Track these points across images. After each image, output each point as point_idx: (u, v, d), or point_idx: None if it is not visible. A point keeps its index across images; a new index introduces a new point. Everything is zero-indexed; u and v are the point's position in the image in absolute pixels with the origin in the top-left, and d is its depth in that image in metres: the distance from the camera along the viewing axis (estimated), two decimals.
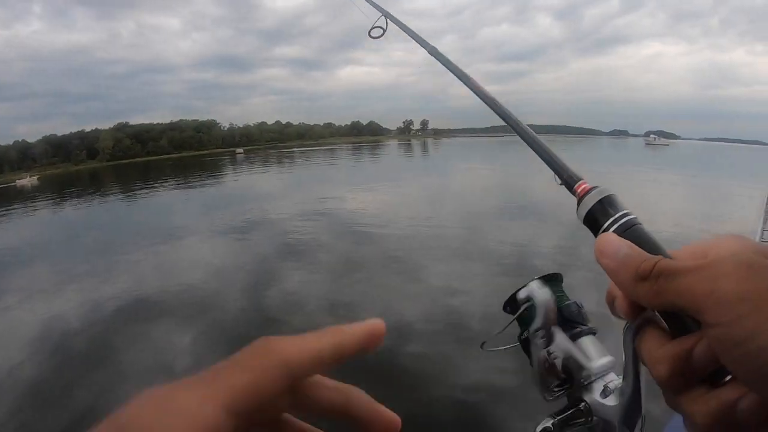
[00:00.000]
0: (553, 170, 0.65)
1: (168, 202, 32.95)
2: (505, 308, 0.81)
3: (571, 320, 0.76)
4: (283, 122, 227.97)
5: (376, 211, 21.75)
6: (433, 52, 1.20)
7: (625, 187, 33.26)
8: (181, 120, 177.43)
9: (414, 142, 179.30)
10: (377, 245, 15.02)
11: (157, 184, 46.19)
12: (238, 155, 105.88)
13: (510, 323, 0.78)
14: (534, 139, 0.73)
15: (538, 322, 0.73)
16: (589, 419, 0.70)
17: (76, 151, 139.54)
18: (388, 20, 1.49)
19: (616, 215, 0.51)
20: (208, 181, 45.98)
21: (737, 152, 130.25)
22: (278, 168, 63.21)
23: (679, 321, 0.41)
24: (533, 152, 0.72)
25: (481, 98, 0.92)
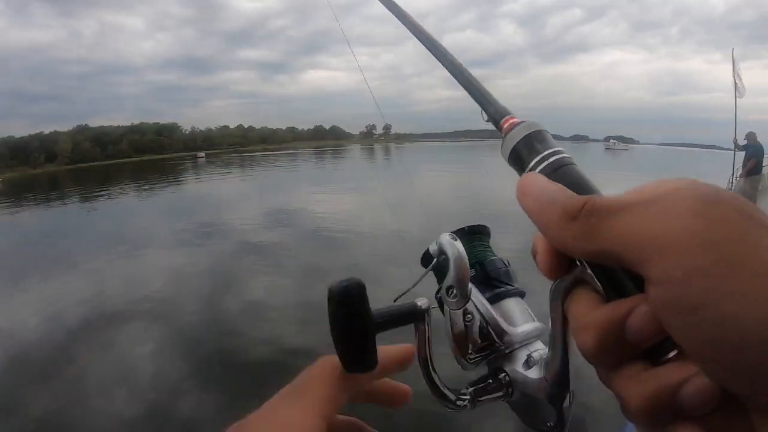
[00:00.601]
0: (480, 104, 0.60)
1: (128, 207, 31.79)
2: (422, 263, 0.66)
3: (494, 279, 0.64)
4: (246, 126, 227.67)
5: (339, 216, 21.60)
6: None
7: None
8: (142, 123, 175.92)
9: (377, 146, 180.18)
10: (341, 250, 15.09)
11: (116, 189, 45.26)
12: (199, 159, 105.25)
13: (423, 276, 0.63)
14: (461, 71, 0.67)
15: (450, 278, 0.57)
16: (509, 391, 0.58)
17: (35, 154, 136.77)
18: None
19: (545, 152, 0.45)
20: (169, 186, 44.60)
21: (695, 156, 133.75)
22: (240, 173, 62.31)
23: (617, 279, 0.33)
24: (465, 91, 0.66)
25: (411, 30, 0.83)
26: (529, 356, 0.57)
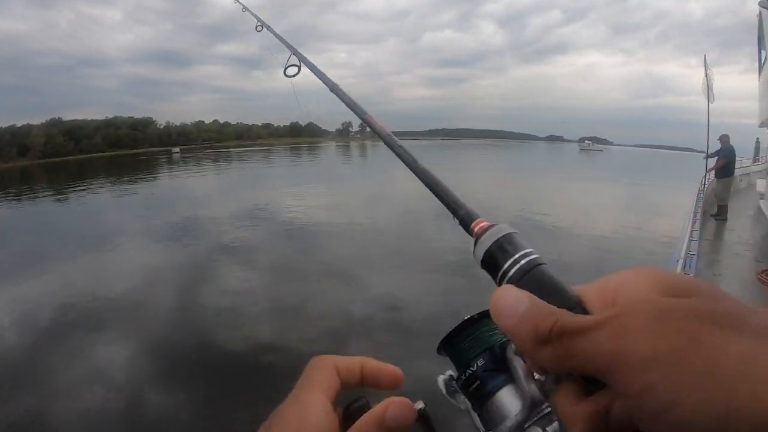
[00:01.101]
0: (449, 208, 0.62)
1: (101, 204, 31.76)
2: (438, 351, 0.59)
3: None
4: (222, 122, 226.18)
5: (314, 213, 22.10)
6: (334, 89, 1.23)
7: (561, 190, 36.97)
8: (116, 117, 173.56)
9: (353, 144, 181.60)
10: (316, 248, 15.38)
11: (90, 185, 44.23)
12: (174, 155, 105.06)
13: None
14: (429, 176, 0.70)
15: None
16: None
17: (7, 147, 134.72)
18: (301, 60, 1.59)
19: (516, 255, 0.47)
20: (143, 182, 44.92)
21: (668, 158, 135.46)
22: (215, 169, 62.53)
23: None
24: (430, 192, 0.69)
25: (378, 135, 0.91)
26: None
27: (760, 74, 12.31)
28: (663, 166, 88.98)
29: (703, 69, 13.12)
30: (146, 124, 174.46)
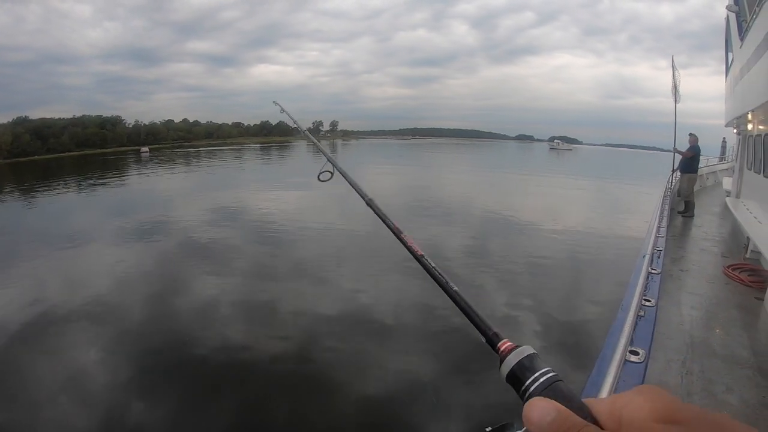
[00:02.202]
0: (478, 329, 0.68)
1: (69, 205, 30.86)
2: None
3: None
4: (191, 120, 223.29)
5: (284, 213, 22.17)
6: (371, 204, 1.27)
7: (531, 188, 37.55)
8: (84, 115, 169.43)
9: (323, 143, 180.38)
10: (287, 247, 15.48)
11: (58, 185, 43.19)
12: (143, 154, 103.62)
13: None
14: (460, 297, 0.75)
15: None
16: None
17: None
18: (335, 168, 1.76)
19: (537, 373, 0.53)
20: (111, 182, 44.32)
21: (636, 157, 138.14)
22: (185, 168, 61.79)
23: None
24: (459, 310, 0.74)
25: (414, 256, 0.93)
26: None
27: (726, 76, 12.72)
28: (631, 164, 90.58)
29: (677, 71, 13.39)
30: (115, 122, 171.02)
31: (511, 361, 0.57)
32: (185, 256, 14.54)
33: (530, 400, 0.49)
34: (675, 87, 13.16)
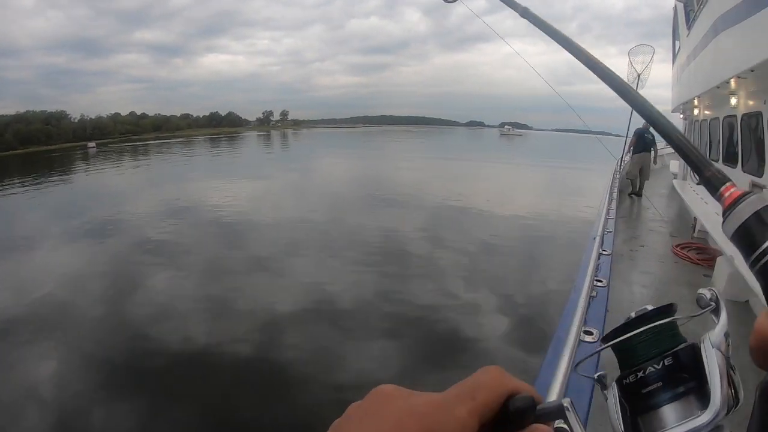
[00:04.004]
0: (692, 167, 0.55)
1: (14, 205, 29.54)
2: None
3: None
4: (139, 113, 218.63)
5: (238, 206, 21.77)
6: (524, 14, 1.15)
7: (481, 173, 37.80)
8: (28, 111, 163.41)
9: (274, 133, 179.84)
10: (241, 240, 15.22)
11: (0, 186, 40.05)
12: (90, 149, 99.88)
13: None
14: (672, 129, 0.62)
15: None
16: None
17: None
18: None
19: None
20: (58, 180, 41.71)
21: (585, 141, 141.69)
22: (134, 163, 60.07)
23: None
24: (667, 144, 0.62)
25: (583, 62, 0.82)
26: None
27: (673, 64, 13.29)
28: (580, 148, 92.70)
29: (623, 57, 14.17)
30: (59, 117, 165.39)
31: (743, 212, 0.44)
32: (138, 255, 14.07)
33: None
34: (637, 75, 13.74)
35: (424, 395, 0.41)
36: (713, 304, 0.46)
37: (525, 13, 1.24)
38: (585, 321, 2.31)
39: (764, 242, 0.41)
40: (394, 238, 14.96)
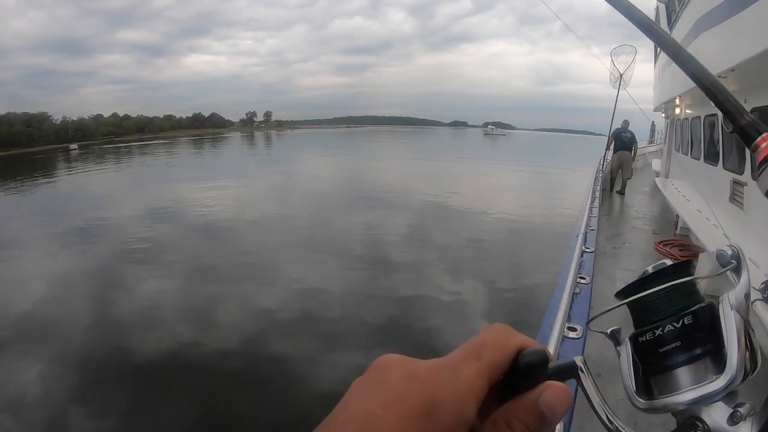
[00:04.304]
0: (724, 113, 0.51)
1: None
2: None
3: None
4: (122, 114, 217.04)
5: (222, 208, 21.65)
6: None
7: (464, 172, 37.92)
8: (9, 113, 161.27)
9: (257, 134, 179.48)
10: (227, 242, 15.10)
11: None
12: (72, 152, 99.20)
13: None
14: (701, 69, 0.56)
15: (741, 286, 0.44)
16: None
17: None
18: None
19: None
20: (40, 183, 40.92)
21: (568, 141, 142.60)
22: (116, 165, 59.41)
23: None
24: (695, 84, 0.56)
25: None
26: (735, 410, 0.41)
27: (655, 64, 13.50)
28: (563, 147, 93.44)
29: (608, 58, 14.00)
30: (41, 119, 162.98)
31: None
32: (122, 258, 13.92)
33: None
34: (619, 75, 13.69)
35: (428, 360, 0.40)
36: (734, 262, 0.44)
37: None
38: (569, 317, 2.34)
39: None
40: (382, 234, 15.12)
